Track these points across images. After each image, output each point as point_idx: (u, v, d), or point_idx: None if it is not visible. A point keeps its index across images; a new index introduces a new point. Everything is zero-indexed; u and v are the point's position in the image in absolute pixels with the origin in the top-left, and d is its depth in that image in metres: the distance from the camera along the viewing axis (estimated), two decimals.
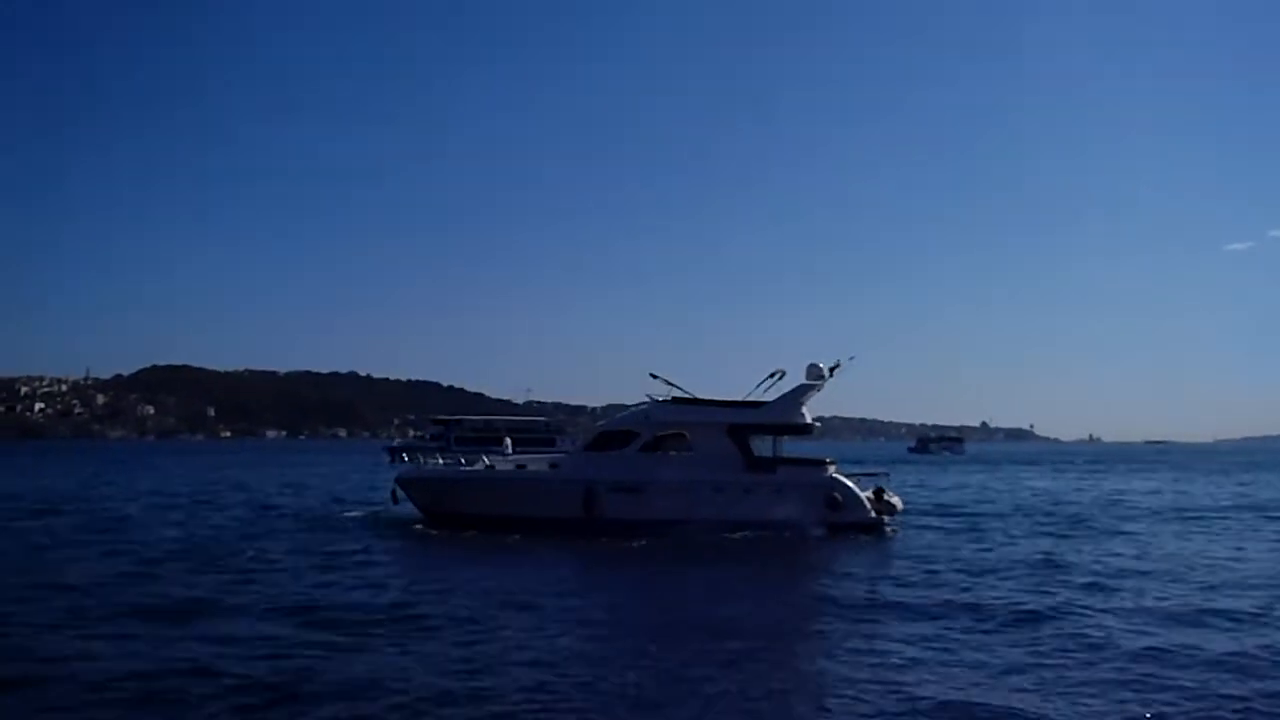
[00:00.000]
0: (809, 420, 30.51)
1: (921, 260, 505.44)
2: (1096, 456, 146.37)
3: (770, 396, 30.57)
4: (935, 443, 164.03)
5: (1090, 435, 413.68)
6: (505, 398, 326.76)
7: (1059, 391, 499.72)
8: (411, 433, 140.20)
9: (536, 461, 31.51)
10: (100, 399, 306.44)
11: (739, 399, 30.49)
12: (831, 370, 30.49)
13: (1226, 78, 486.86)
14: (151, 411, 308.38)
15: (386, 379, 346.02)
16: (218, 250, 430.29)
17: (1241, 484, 62.95)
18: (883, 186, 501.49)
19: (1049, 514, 38.05)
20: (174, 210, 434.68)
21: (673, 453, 29.17)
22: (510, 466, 31.03)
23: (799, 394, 30.08)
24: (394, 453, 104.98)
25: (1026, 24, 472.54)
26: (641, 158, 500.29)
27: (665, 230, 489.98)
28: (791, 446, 31.57)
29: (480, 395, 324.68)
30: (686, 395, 30.07)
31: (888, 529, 29.38)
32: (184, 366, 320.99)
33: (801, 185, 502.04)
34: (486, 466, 30.98)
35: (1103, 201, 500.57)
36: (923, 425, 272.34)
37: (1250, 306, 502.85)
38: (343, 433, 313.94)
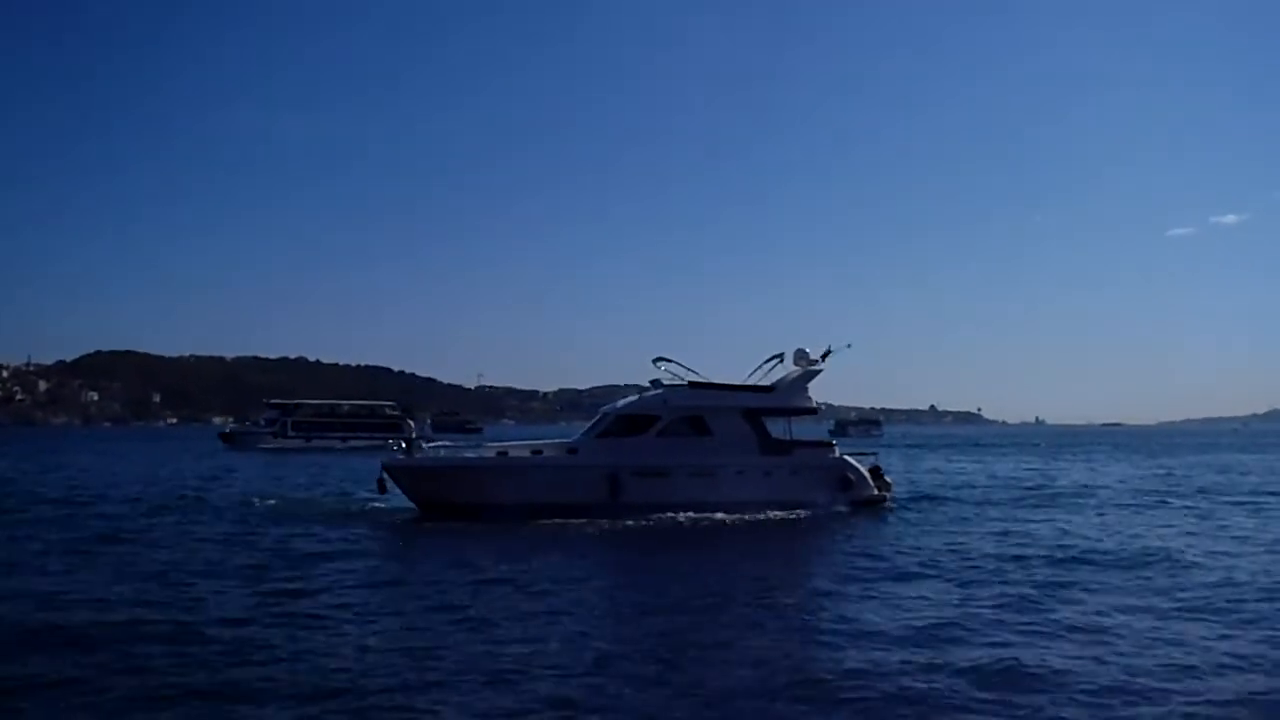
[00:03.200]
0: (815, 404, 31.81)
1: (874, 246, 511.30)
2: (1002, 439, 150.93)
3: (760, 379, 31.47)
4: (854, 425, 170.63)
5: (1036, 418, 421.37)
6: (456, 382, 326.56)
7: (1007, 375, 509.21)
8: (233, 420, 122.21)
9: (552, 448, 30.77)
10: (42, 385, 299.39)
11: (740, 383, 31.24)
12: (824, 355, 31.62)
13: (1170, 67, 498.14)
14: (95, 398, 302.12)
15: (336, 364, 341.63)
16: (163, 234, 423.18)
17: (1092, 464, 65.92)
18: (830, 174, 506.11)
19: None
20: (119, 194, 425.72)
21: (693, 437, 29.34)
22: (526, 453, 30.36)
23: (806, 378, 31.17)
24: (226, 438, 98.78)
25: (967, 15, 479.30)
26: (595, 145, 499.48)
27: (617, 217, 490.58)
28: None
29: (431, 380, 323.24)
30: (702, 379, 30.51)
31: (888, 505, 31.00)
32: (128, 352, 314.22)
33: (748, 171, 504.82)
34: (499, 454, 30.46)
35: (1050, 188, 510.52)
36: (872, 409, 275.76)
37: (1193, 291, 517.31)
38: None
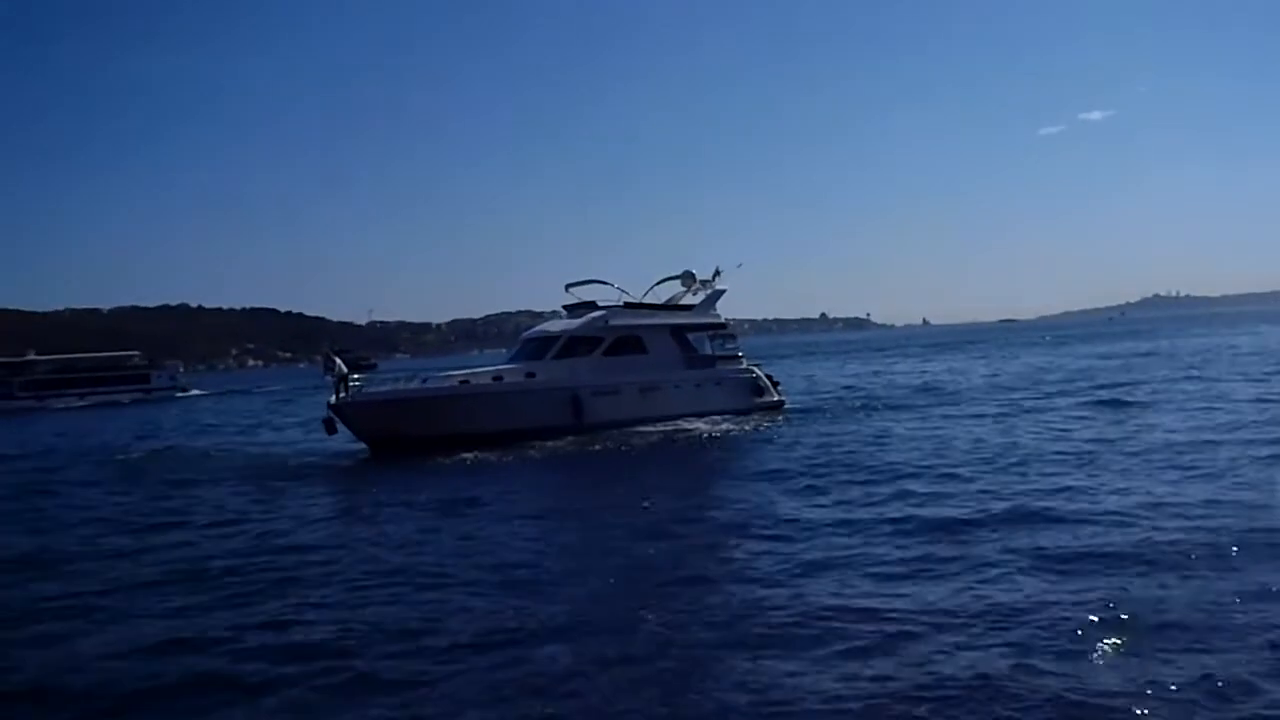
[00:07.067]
0: (724, 319, 35.33)
1: (763, 162, 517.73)
2: (882, 342, 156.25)
3: (652, 300, 34.41)
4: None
5: (923, 320, 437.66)
6: (347, 320, 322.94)
7: (894, 281, 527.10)
8: None
9: (507, 373, 29.98)
10: None
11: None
12: (714, 275, 35.08)
13: None
14: None
15: (219, 309, 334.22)
16: (27, 181, 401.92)
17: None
18: (713, 91, 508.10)
19: None
20: None
21: (632, 356, 31.20)
22: (487, 380, 29.57)
23: (715, 296, 34.77)
24: None
25: None
26: (487, 76, 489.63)
27: (500, 149, 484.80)
28: None
29: (321, 319, 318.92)
30: (635, 300, 33.31)
31: (786, 409, 34.64)
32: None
33: (633, 95, 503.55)
34: (461, 382, 29.35)
35: (922, 91, 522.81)
36: (764, 320, 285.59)
37: (1066, 188, 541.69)
38: (180, 367, 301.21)
